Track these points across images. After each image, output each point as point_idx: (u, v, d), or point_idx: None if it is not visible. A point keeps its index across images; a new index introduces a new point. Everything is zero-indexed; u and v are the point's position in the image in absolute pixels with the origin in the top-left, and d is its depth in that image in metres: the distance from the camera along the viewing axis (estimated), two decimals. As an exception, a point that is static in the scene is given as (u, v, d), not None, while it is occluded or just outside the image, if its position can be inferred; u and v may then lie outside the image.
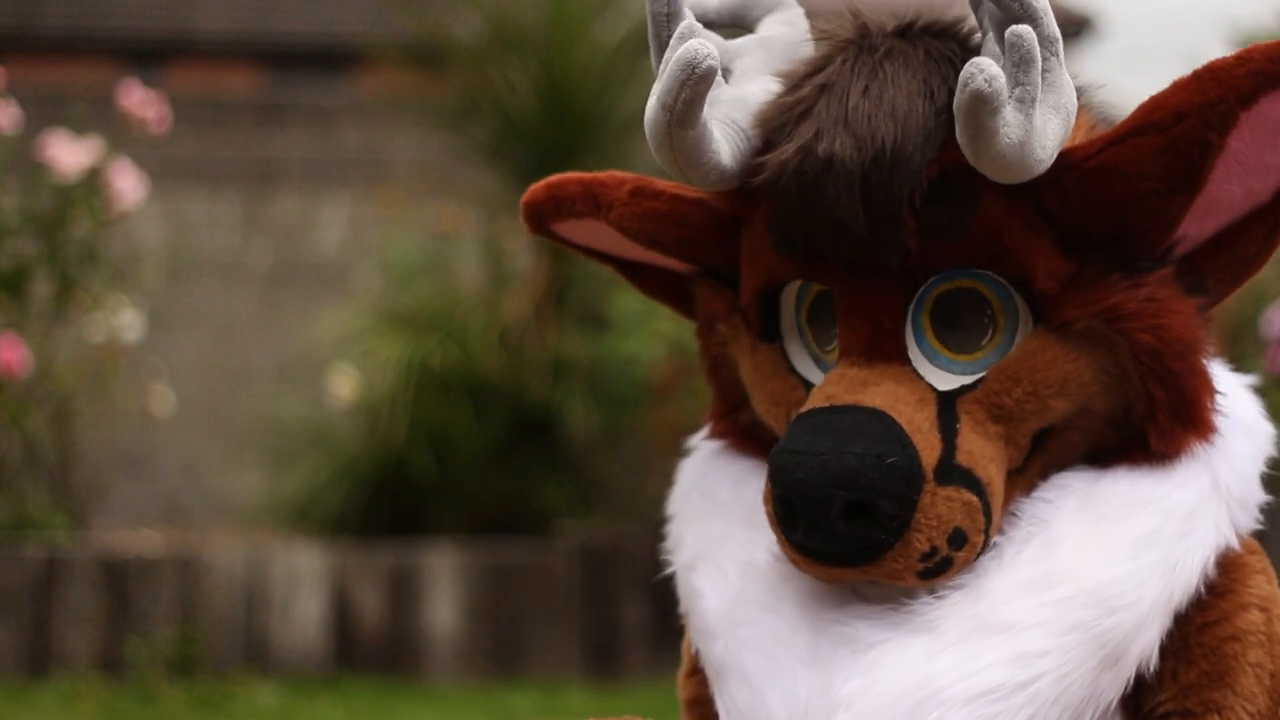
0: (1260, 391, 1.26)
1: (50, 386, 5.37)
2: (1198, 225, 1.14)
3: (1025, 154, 1.06)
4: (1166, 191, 1.10)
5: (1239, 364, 1.30)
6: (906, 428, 1.10)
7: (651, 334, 5.34)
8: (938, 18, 1.17)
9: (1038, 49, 1.04)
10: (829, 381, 1.15)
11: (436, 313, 5.78)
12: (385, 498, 5.61)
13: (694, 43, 1.04)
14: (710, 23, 1.27)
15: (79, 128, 5.27)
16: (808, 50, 1.22)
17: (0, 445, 5.34)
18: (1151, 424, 1.14)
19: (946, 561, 1.10)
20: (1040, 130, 1.06)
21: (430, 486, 5.52)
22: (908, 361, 1.14)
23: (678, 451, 1.35)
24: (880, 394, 1.12)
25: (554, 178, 1.31)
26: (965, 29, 1.16)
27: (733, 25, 1.29)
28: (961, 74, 1.02)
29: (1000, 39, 1.08)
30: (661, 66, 1.09)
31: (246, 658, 4.97)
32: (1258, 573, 1.18)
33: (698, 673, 1.30)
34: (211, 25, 10.83)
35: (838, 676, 1.11)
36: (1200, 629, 1.14)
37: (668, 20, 1.10)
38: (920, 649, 1.10)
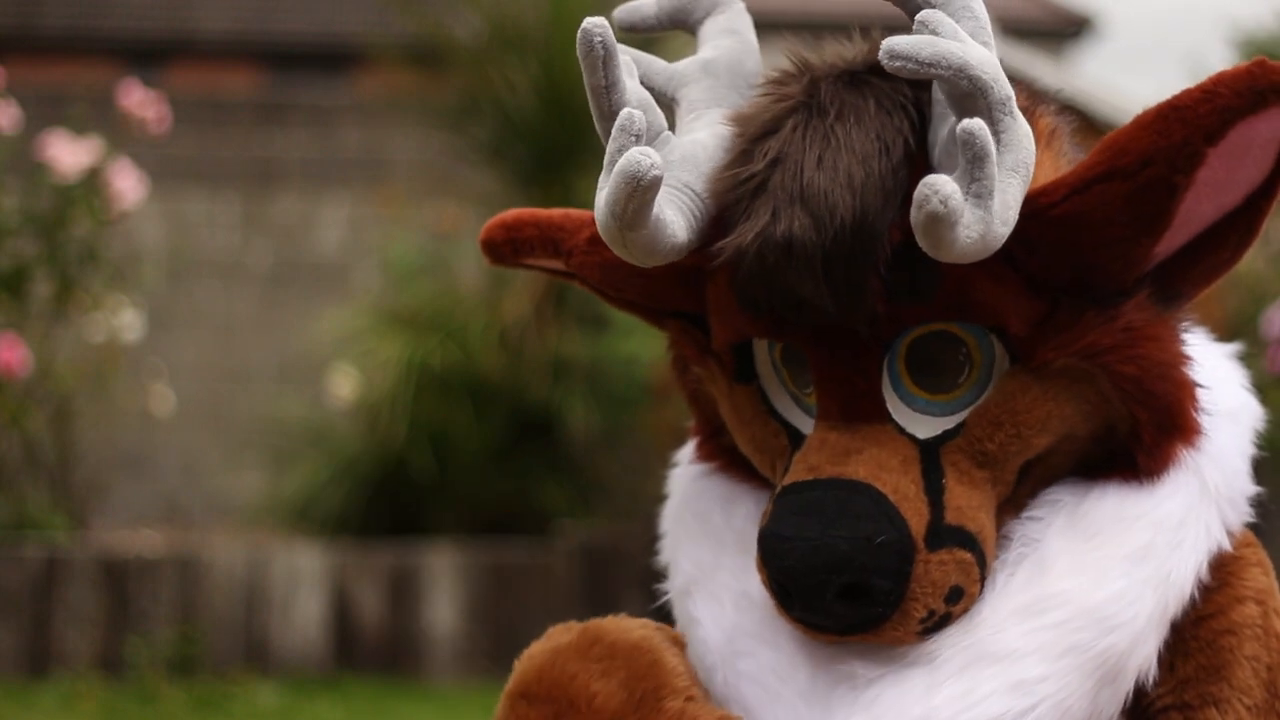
0: (1260, 392, 1.26)
1: (50, 386, 5.37)
2: (1166, 243, 1.12)
3: (987, 242, 1.03)
4: (1133, 236, 1.08)
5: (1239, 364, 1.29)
6: (893, 498, 1.08)
7: (651, 334, 5.32)
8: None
9: (991, 145, 1.01)
10: (810, 450, 1.13)
11: (436, 313, 5.78)
12: (385, 498, 5.61)
13: (634, 153, 1.01)
14: (650, 27, 1.25)
15: (79, 128, 5.27)
16: (754, 66, 1.20)
17: (0, 445, 5.34)
18: (1136, 443, 1.13)
19: (946, 618, 1.10)
20: (1000, 209, 1.03)
21: (430, 486, 5.52)
22: (887, 418, 1.12)
23: (679, 449, 1.34)
24: (864, 463, 1.10)
25: (509, 217, 1.28)
26: None
27: (673, 28, 1.27)
28: (915, 194, 0.99)
29: (951, 104, 1.05)
30: (606, 161, 1.05)
31: (246, 658, 4.97)
32: (1253, 565, 1.17)
33: None
34: (211, 25, 10.84)
35: (837, 714, 1.11)
36: (1196, 623, 1.14)
37: (607, 92, 1.07)
38: (918, 683, 1.09)
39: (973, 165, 1.01)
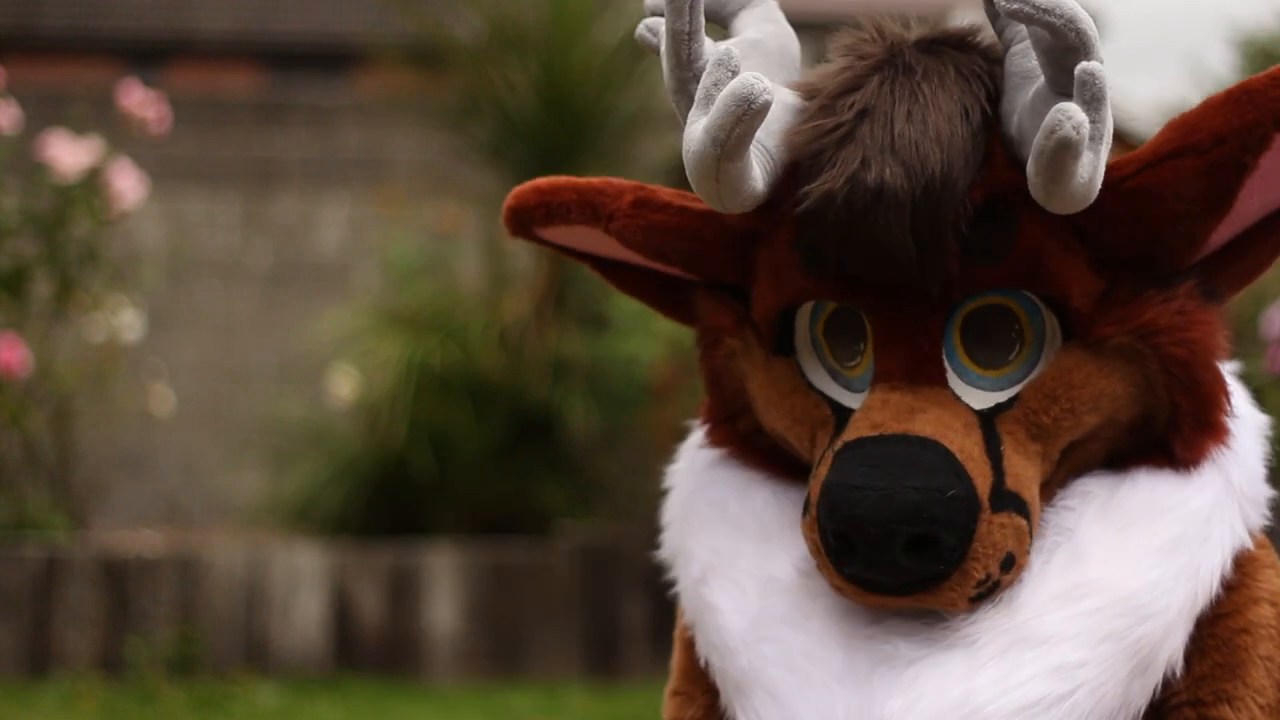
0: (1260, 392, 1.27)
1: (50, 386, 5.37)
2: (1217, 236, 1.14)
3: (1091, 190, 1.06)
4: (1200, 213, 1.11)
5: (1239, 364, 1.30)
6: (960, 456, 1.10)
7: (651, 334, 5.34)
8: (956, 29, 1.15)
9: (1107, 87, 1.03)
10: (873, 408, 1.13)
11: (436, 313, 5.78)
12: (385, 498, 5.61)
13: (748, 76, 1.02)
14: None
15: (79, 128, 5.27)
16: (796, 51, 1.21)
17: (0, 445, 5.34)
18: (1175, 433, 1.15)
19: (995, 585, 1.11)
20: (1101, 164, 1.06)
21: (430, 486, 5.52)
22: (947, 384, 1.13)
23: (679, 448, 1.34)
24: (929, 421, 1.11)
25: (543, 182, 1.27)
26: (984, 40, 1.15)
27: (707, 20, 1.27)
28: (1047, 120, 1.01)
29: (1047, 61, 1.06)
30: (701, 95, 1.05)
31: (246, 658, 4.97)
32: (1267, 567, 1.18)
33: (679, 695, 1.30)
34: (211, 25, 10.83)
35: (877, 695, 1.11)
36: (1213, 621, 1.15)
37: (689, 39, 1.07)
38: (959, 664, 1.10)
39: (1089, 106, 1.03)
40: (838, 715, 1.12)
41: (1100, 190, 1.09)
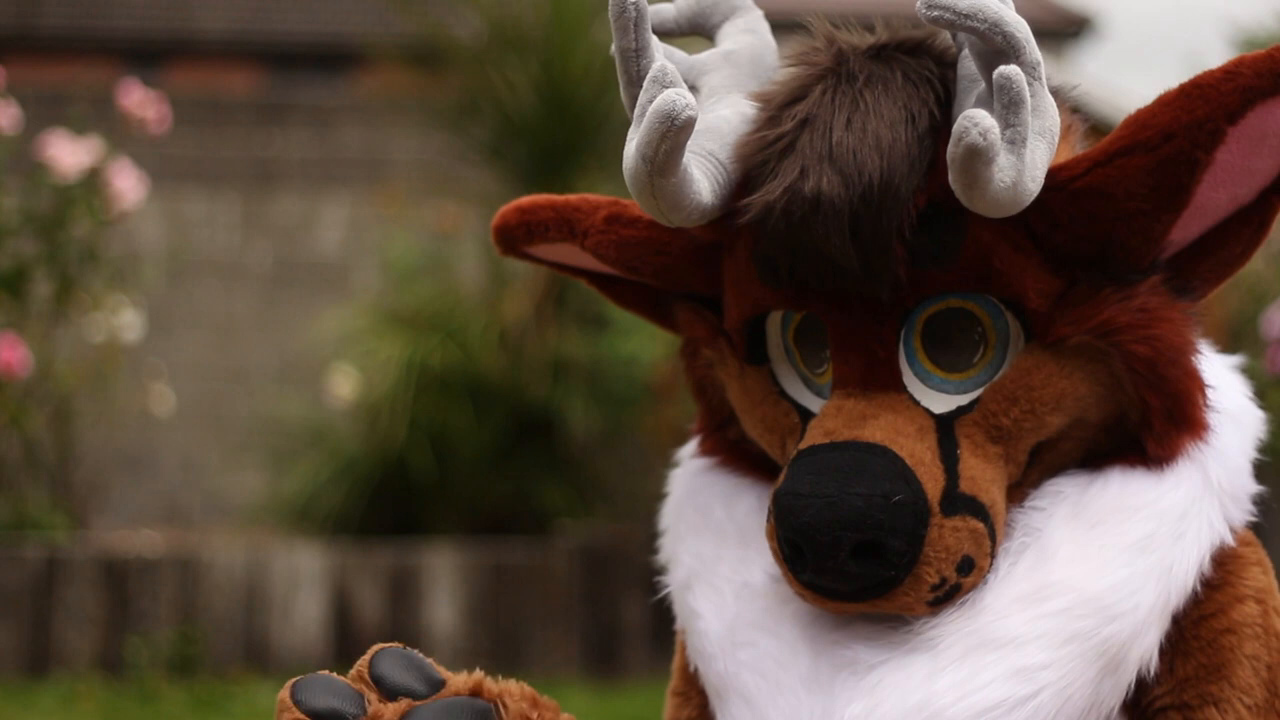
0: (1260, 392, 1.26)
1: (50, 386, 5.37)
2: (1182, 231, 1.13)
3: (1018, 192, 1.05)
4: (1154, 210, 1.10)
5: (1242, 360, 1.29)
6: (909, 461, 1.09)
7: (651, 334, 5.34)
8: (910, 34, 1.15)
9: (1027, 90, 1.03)
10: (826, 415, 1.14)
11: (436, 313, 5.78)
12: (385, 498, 5.61)
13: (671, 93, 1.02)
14: (668, 32, 1.26)
15: (79, 128, 5.27)
16: (776, 67, 1.21)
17: (0, 445, 5.34)
18: (1147, 430, 1.14)
19: (955, 588, 1.10)
20: (1030, 163, 1.05)
21: (430, 486, 5.52)
22: (903, 388, 1.13)
23: (680, 448, 1.34)
24: (880, 427, 1.11)
25: (524, 201, 1.29)
26: (939, 44, 1.14)
27: (691, 33, 1.27)
28: (955, 127, 1.01)
29: (981, 65, 1.06)
30: (637, 113, 1.06)
31: (246, 658, 4.97)
32: (1253, 565, 1.17)
33: (678, 694, 1.31)
34: (211, 25, 10.84)
35: (839, 699, 1.11)
36: (1196, 622, 1.14)
37: (636, 55, 1.07)
38: (920, 669, 1.09)
39: (1008, 110, 1.03)
40: (802, 719, 1.12)
41: (1050, 191, 1.09)
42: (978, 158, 1.01)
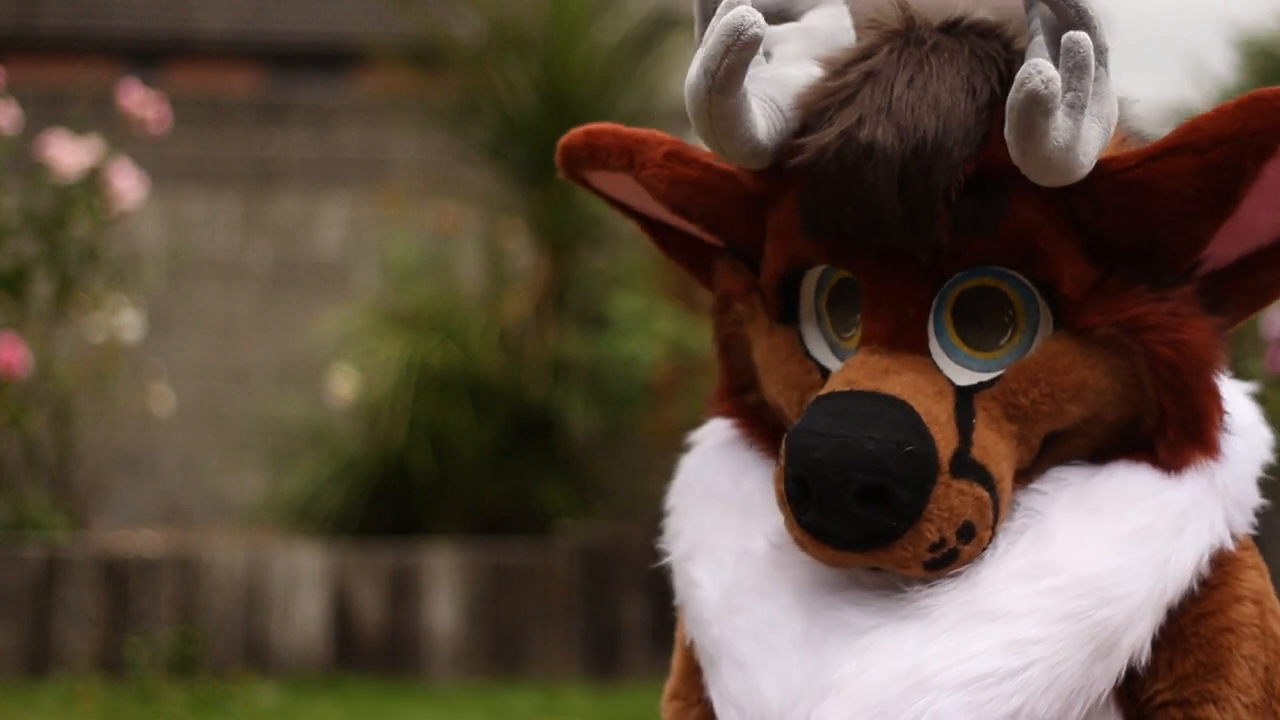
0: (1260, 392, 1.27)
1: (50, 386, 5.37)
2: (1224, 248, 1.15)
3: (1070, 158, 1.06)
4: (1197, 213, 1.11)
5: (1239, 364, 1.30)
6: (925, 418, 1.11)
7: (651, 334, 5.34)
8: (984, 18, 1.17)
9: (1093, 57, 1.05)
10: (850, 366, 1.15)
11: (436, 313, 5.78)
12: (385, 498, 5.61)
13: (741, 9, 1.05)
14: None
15: (79, 128, 5.27)
16: (849, 40, 1.22)
17: (0, 445, 5.34)
18: (1160, 437, 1.15)
19: (953, 554, 1.11)
20: (1085, 137, 1.07)
21: (430, 486, 5.52)
22: (928, 353, 1.15)
23: (678, 451, 1.35)
24: (901, 383, 1.12)
25: (593, 126, 1.31)
26: (1010, 31, 1.16)
27: (778, 21, 1.29)
28: (1019, 73, 1.03)
29: (1053, 42, 1.08)
30: (706, 34, 1.08)
31: (246, 658, 4.97)
32: (1250, 568, 1.18)
33: (678, 699, 1.31)
34: (211, 25, 10.84)
35: (830, 662, 1.12)
36: (1196, 620, 1.15)
37: None
38: (912, 635, 1.10)
39: (1071, 74, 1.05)
40: (793, 681, 1.13)
41: (1098, 179, 1.10)
42: (1037, 105, 1.03)
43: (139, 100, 5.52)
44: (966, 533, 1.11)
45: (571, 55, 5.79)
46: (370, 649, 5.00)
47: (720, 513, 1.25)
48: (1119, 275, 1.13)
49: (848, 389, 1.13)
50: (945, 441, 1.11)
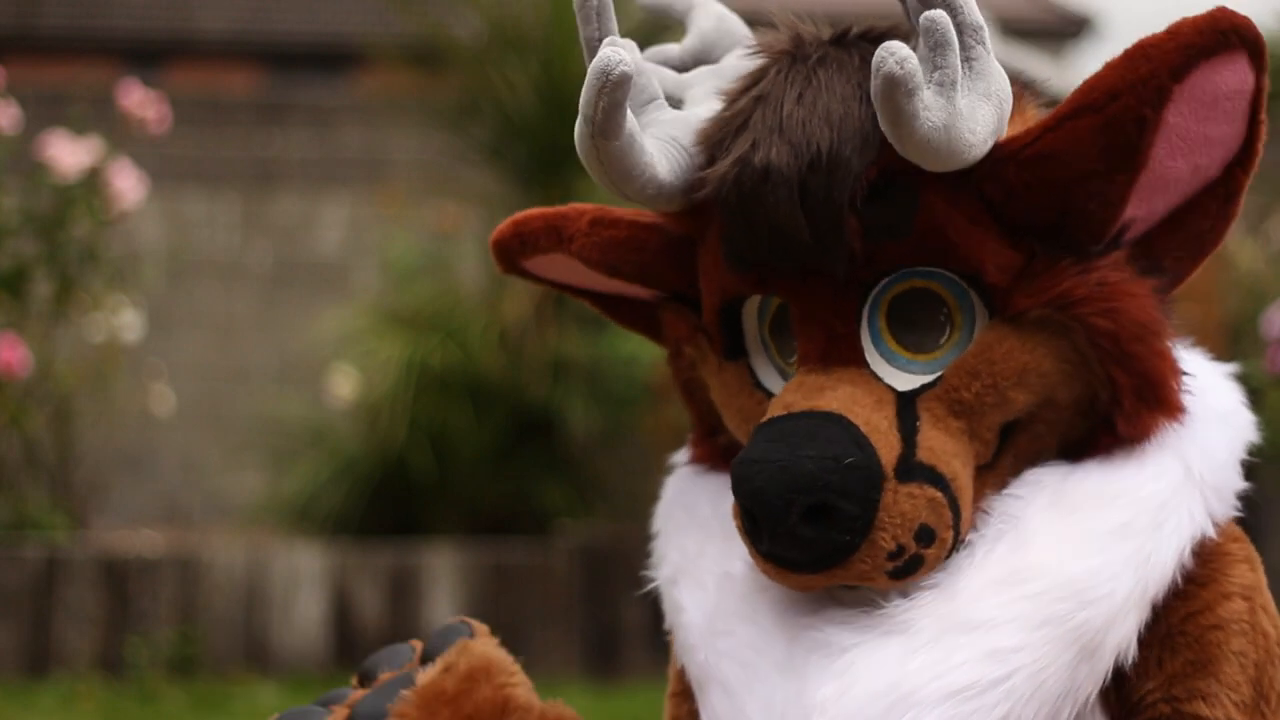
0: (1260, 392, 1.26)
1: (50, 386, 5.38)
2: (1147, 206, 1.14)
3: (952, 138, 1.05)
4: (1107, 172, 1.10)
5: (1239, 364, 1.29)
6: (864, 428, 1.10)
7: (651, 334, 5.33)
8: (873, 25, 1.16)
9: (953, 32, 1.04)
10: (787, 390, 1.15)
11: (436, 313, 5.78)
12: (385, 498, 5.61)
13: (606, 50, 1.04)
14: (675, 69, 1.28)
15: (79, 128, 5.28)
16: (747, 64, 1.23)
17: (0, 445, 5.34)
18: (1117, 409, 1.14)
19: (917, 559, 1.10)
20: (968, 115, 1.06)
21: (430, 486, 5.52)
22: (865, 364, 1.14)
23: (678, 451, 1.35)
24: (837, 397, 1.11)
25: (519, 215, 1.31)
26: (902, 34, 1.15)
27: (695, 66, 1.29)
28: (873, 59, 1.02)
29: (921, 21, 1.08)
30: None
31: (246, 658, 4.97)
32: (1240, 561, 1.17)
33: (676, 695, 1.31)
34: (211, 25, 10.85)
35: (812, 682, 1.11)
36: (1184, 619, 1.14)
37: (600, 44, 1.10)
38: (893, 651, 1.09)
39: (934, 52, 1.04)
40: (776, 703, 1.12)
41: (1003, 160, 1.09)
42: (896, 87, 1.02)
43: (139, 100, 5.52)
44: (925, 536, 1.10)
45: (571, 55, 5.79)
46: (370, 649, 4.97)
47: (701, 537, 1.25)
48: (1043, 254, 1.12)
49: (785, 412, 1.12)
50: (887, 449, 1.09)
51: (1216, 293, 5.48)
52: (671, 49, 1.29)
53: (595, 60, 1.05)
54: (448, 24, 6.21)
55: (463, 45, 6.12)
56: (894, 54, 1.01)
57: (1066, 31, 14.92)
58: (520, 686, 1.24)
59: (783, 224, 1.09)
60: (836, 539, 1.08)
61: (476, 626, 1.26)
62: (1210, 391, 1.20)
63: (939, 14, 1.04)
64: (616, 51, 1.04)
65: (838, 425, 1.09)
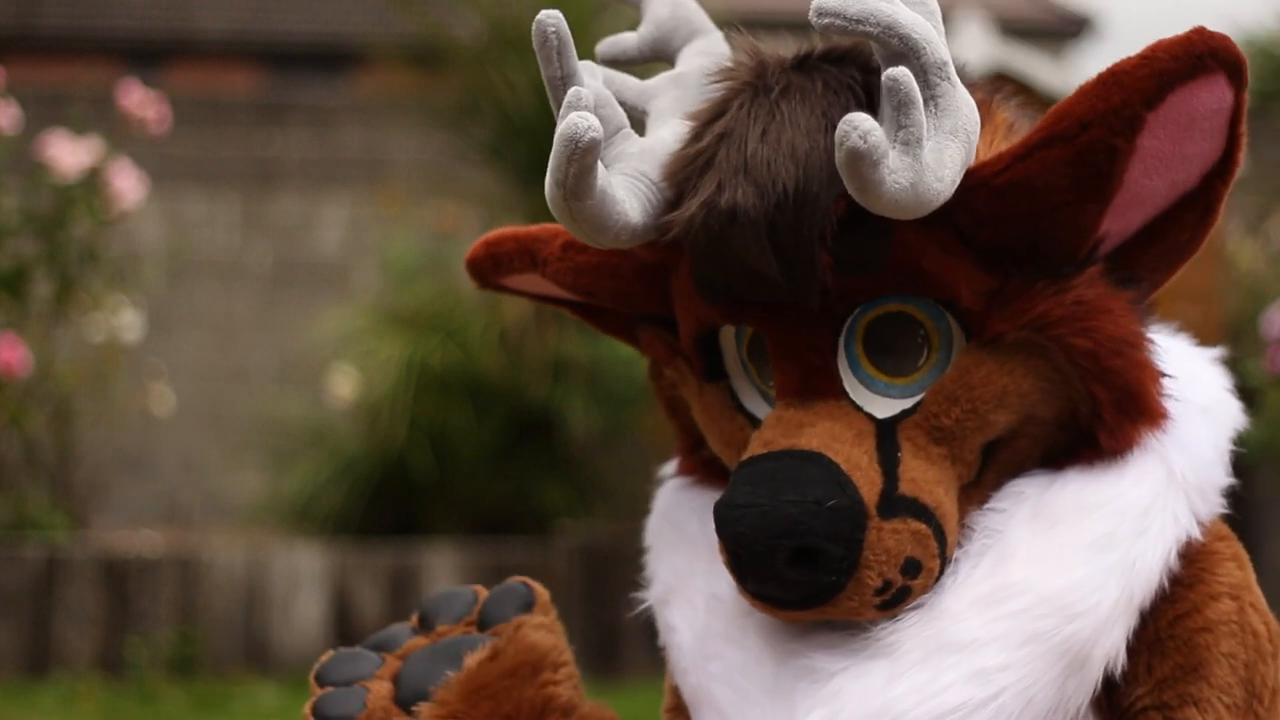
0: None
1: (50, 386, 5.38)
2: (1121, 222, 1.12)
3: (919, 193, 1.03)
4: (1078, 201, 1.08)
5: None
6: (844, 466, 1.08)
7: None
8: (835, 45, 1.14)
9: (916, 90, 1.02)
10: (766, 426, 1.13)
11: (436, 313, 5.78)
12: (385, 498, 5.61)
13: (574, 116, 1.02)
14: (630, 60, 1.27)
15: (79, 128, 5.28)
16: (709, 88, 1.21)
17: (0, 445, 5.34)
18: (1099, 423, 1.13)
19: (904, 591, 1.09)
20: (935, 163, 1.04)
21: (430, 486, 5.52)
22: (843, 394, 1.12)
23: (671, 458, 1.35)
24: (816, 435, 1.10)
25: (491, 235, 1.30)
26: (866, 52, 1.13)
27: (654, 59, 1.28)
28: (836, 133, 1.00)
29: (888, 67, 1.05)
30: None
31: (246, 658, 4.97)
32: (1227, 560, 1.16)
33: (671, 711, 1.31)
34: (211, 25, 10.85)
35: (800, 708, 1.10)
36: (1172, 622, 1.13)
37: (562, 84, 1.07)
38: (880, 674, 1.09)
39: (898, 111, 1.02)
40: None
41: (973, 189, 1.08)
42: (861, 160, 1.00)
43: (139, 100, 5.52)
44: (912, 569, 1.09)
45: (571, 55, 5.79)
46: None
47: (690, 556, 1.24)
48: (1017, 278, 1.10)
49: (765, 451, 1.11)
50: (869, 486, 1.08)
51: (1216, 293, 5.48)
52: (628, 39, 1.27)
53: (563, 126, 1.02)
54: (448, 24, 6.22)
55: (463, 45, 6.12)
56: (856, 128, 0.99)
57: (1066, 31, 14.92)
58: (564, 684, 1.23)
59: (752, 264, 1.08)
60: (823, 580, 1.07)
61: (538, 591, 1.27)
62: (1193, 384, 1.19)
63: (901, 72, 1.01)
64: (584, 117, 1.02)
65: (818, 465, 1.08)
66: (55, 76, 9.22)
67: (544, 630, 1.24)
